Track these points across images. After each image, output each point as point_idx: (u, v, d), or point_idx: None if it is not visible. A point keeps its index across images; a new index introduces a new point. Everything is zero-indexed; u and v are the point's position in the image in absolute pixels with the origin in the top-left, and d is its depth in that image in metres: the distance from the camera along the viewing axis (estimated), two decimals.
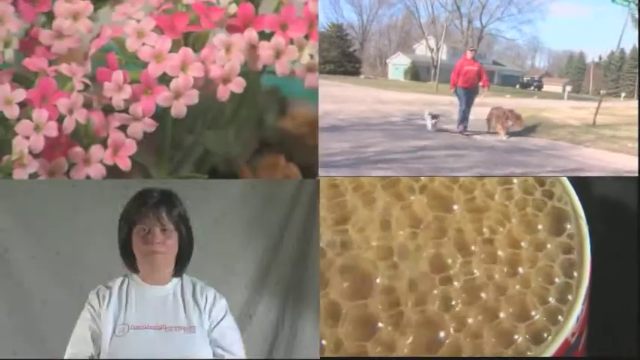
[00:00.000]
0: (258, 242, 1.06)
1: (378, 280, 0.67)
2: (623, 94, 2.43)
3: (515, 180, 0.72)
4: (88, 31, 0.82)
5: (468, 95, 1.79)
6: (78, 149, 0.78)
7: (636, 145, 1.50)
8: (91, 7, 0.83)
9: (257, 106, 0.93)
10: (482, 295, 0.65)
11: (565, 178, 0.71)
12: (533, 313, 0.64)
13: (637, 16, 1.90)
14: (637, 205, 0.92)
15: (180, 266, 0.77)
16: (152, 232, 0.74)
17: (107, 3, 0.85)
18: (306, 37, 0.82)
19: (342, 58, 2.71)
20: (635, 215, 0.93)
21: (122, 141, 0.79)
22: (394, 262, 0.67)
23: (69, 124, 0.76)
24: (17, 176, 0.75)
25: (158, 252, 0.75)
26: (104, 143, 0.79)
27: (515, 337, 0.63)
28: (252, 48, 0.81)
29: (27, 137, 0.75)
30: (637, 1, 1.81)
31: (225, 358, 0.76)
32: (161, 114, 0.80)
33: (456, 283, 0.66)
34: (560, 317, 0.64)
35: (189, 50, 0.79)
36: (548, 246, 0.68)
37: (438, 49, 2.57)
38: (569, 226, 0.68)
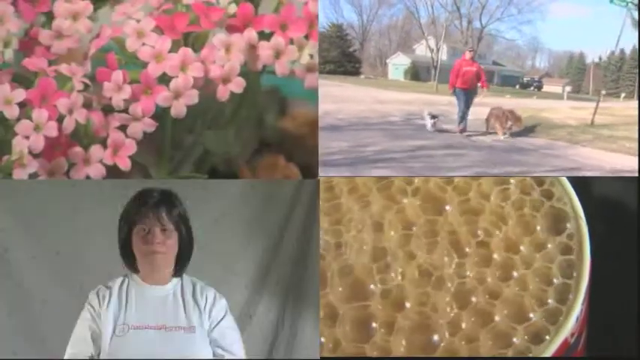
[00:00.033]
0: (258, 242, 1.06)
1: (371, 285, 0.67)
2: (623, 95, 2.43)
3: (512, 180, 0.72)
4: (87, 31, 0.82)
5: (467, 96, 1.79)
6: (78, 149, 0.78)
7: (633, 144, 1.50)
8: (91, 7, 0.83)
9: (257, 106, 0.93)
10: (477, 298, 0.65)
11: (564, 178, 0.71)
12: (531, 315, 0.64)
13: (635, 16, 1.90)
14: (637, 205, 0.92)
15: (180, 266, 0.77)
16: (152, 232, 0.74)
17: (107, 3, 0.85)
18: (306, 37, 0.82)
19: (342, 58, 2.71)
20: (635, 215, 0.93)
21: (122, 141, 0.79)
22: (387, 266, 0.67)
23: (69, 124, 0.76)
24: (17, 176, 0.75)
25: (158, 252, 0.75)
26: (104, 143, 0.79)
27: (514, 339, 0.63)
28: (252, 48, 0.81)
29: (27, 137, 0.75)
30: (635, 2, 1.81)
31: (225, 358, 0.76)
32: (161, 114, 0.80)
33: (449, 285, 0.66)
34: (560, 318, 0.64)
35: (189, 50, 0.79)
36: (549, 246, 0.68)
37: (437, 50, 2.57)
38: (568, 226, 0.68)
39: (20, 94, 0.76)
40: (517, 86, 2.71)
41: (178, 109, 0.79)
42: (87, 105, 0.78)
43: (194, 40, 0.80)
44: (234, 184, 1.02)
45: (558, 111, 2.19)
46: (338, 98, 2.14)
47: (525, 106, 2.10)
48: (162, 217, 0.75)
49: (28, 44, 0.82)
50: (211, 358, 0.76)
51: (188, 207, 0.77)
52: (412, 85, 2.65)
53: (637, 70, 2.18)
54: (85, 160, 0.78)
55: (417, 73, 2.72)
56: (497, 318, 0.64)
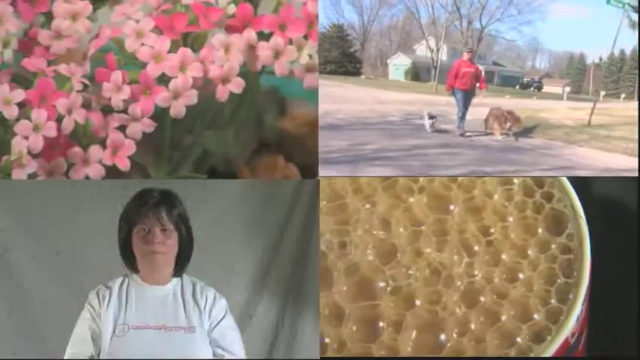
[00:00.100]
0: (258, 242, 1.06)
1: (381, 283, 0.67)
2: (623, 95, 2.44)
3: (515, 180, 0.72)
4: (87, 32, 0.82)
5: (466, 97, 1.80)
6: (77, 149, 0.78)
7: (629, 144, 1.50)
8: (90, 7, 0.83)
9: (256, 107, 0.93)
10: (484, 298, 0.65)
11: (565, 179, 0.71)
12: (535, 315, 0.64)
13: (633, 18, 1.90)
14: (637, 205, 0.92)
15: (180, 266, 0.77)
16: (152, 232, 0.74)
17: (106, 3, 0.85)
18: (305, 37, 0.82)
19: (343, 58, 2.71)
20: (635, 215, 0.93)
21: (121, 141, 0.79)
22: (395, 264, 0.67)
23: (68, 125, 0.76)
24: (16, 176, 0.75)
25: (158, 252, 0.74)
26: (103, 143, 0.79)
27: (518, 339, 0.63)
28: (251, 48, 0.81)
29: (26, 137, 0.75)
30: (632, 4, 1.82)
31: (225, 358, 0.76)
32: (160, 114, 0.80)
33: (459, 283, 0.66)
34: (561, 317, 0.64)
35: (188, 50, 0.79)
36: (553, 246, 0.68)
37: (438, 50, 2.58)
38: (568, 227, 0.68)
39: (19, 95, 0.76)
40: (517, 87, 2.72)
41: (177, 109, 0.79)
42: (86, 105, 0.78)
43: (193, 41, 0.80)
44: (234, 184, 1.02)
45: (556, 111, 2.19)
46: (338, 99, 2.15)
47: (525, 106, 2.11)
48: (162, 217, 0.75)
49: (27, 44, 0.82)
50: (211, 358, 0.75)
51: (188, 207, 0.77)
52: (412, 85, 2.65)
53: (637, 71, 2.19)
54: (84, 161, 0.78)
55: (418, 74, 2.73)
56: (504, 317, 0.64)
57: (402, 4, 2.55)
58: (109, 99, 0.78)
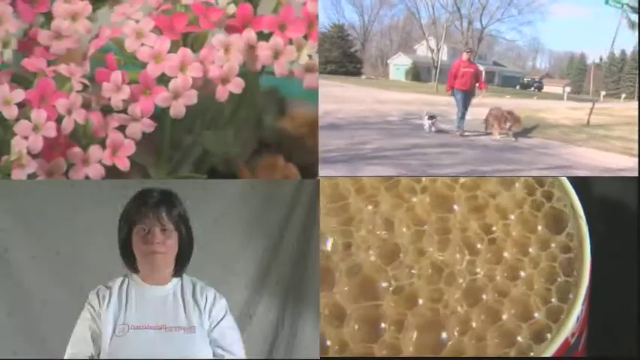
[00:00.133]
0: (258, 242, 1.06)
1: (383, 282, 0.67)
2: (623, 95, 2.44)
3: (515, 180, 0.72)
4: (86, 32, 0.82)
5: (465, 97, 1.80)
6: (77, 149, 0.78)
7: (627, 144, 1.51)
8: (90, 7, 0.83)
9: (256, 107, 0.93)
10: (485, 296, 0.65)
11: (564, 179, 0.71)
12: (536, 314, 0.64)
13: (632, 18, 1.91)
14: (637, 205, 0.92)
15: (180, 266, 0.77)
16: (152, 232, 0.74)
17: (106, 3, 0.85)
18: (305, 37, 0.82)
19: (344, 58, 2.72)
20: (635, 215, 0.93)
21: (121, 141, 0.79)
22: (398, 264, 0.67)
23: (68, 125, 0.76)
24: (16, 176, 0.75)
25: (158, 252, 0.74)
26: (103, 143, 0.79)
27: (518, 338, 0.63)
28: (251, 48, 0.81)
29: (25, 137, 0.75)
30: (630, 4, 1.82)
31: (225, 358, 0.76)
32: (160, 114, 0.80)
33: (460, 281, 0.66)
34: (561, 316, 0.64)
35: (188, 50, 0.79)
36: (553, 245, 0.68)
37: (438, 50, 2.58)
38: (568, 226, 0.68)
39: (19, 95, 0.76)
40: (518, 87, 2.72)
41: (177, 109, 0.79)
42: (86, 105, 0.78)
43: (193, 41, 0.80)
44: (234, 184, 1.02)
45: (555, 111, 2.20)
46: (339, 98, 2.15)
47: (525, 106, 2.11)
48: (162, 217, 0.75)
49: (27, 44, 0.82)
50: (211, 358, 0.75)
51: (188, 207, 0.77)
52: (413, 85, 2.66)
53: (637, 72, 2.19)
54: (83, 161, 0.78)
55: (418, 74, 2.73)
56: (504, 316, 0.64)
57: (402, 4, 2.55)
58: (109, 99, 0.78)
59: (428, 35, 2.60)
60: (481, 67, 1.93)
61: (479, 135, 1.76)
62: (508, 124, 1.72)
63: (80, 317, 0.75)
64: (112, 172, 0.79)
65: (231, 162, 0.92)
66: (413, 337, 0.64)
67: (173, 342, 0.74)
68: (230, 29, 0.81)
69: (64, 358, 0.75)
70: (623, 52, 2.42)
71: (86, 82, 0.79)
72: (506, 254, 0.68)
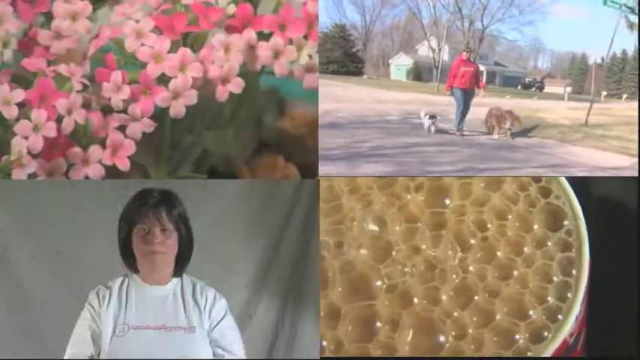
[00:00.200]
0: (258, 242, 1.06)
1: (377, 281, 0.67)
2: (624, 96, 2.44)
3: (510, 179, 0.72)
4: (86, 32, 0.82)
5: (465, 96, 1.79)
6: (77, 149, 0.78)
7: (623, 143, 1.51)
8: (90, 7, 0.83)
9: (256, 107, 0.93)
10: (478, 295, 0.65)
11: (563, 178, 0.71)
12: (531, 312, 0.64)
13: (630, 19, 1.91)
14: (637, 205, 0.92)
15: (180, 266, 0.77)
16: (152, 232, 0.74)
17: (106, 3, 0.85)
18: (305, 37, 0.82)
19: (345, 58, 2.72)
20: (635, 215, 0.93)
21: (121, 141, 0.79)
22: (391, 262, 0.67)
23: (68, 125, 0.76)
24: (16, 176, 0.75)
25: (158, 252, 0.75)
26: (103, 143, 0.79)
27: (517, 337, 0.63)
28: (251, 48, 0.81)
29: (26, 137, 0.75)
30: (628, 5, 1.82)
31: (225, 358, 0.76)
32: (160, 114, 0.80)
33: (454, 277, 0.66)
34: (559, 316, 0.64)
35: (188, 50, 0.79)
36: (549, 243, 0.67)
37: (439, 50, 2.58)
38: (566, 224, 0.68)
39: (19, 95, 0.76)
40: (519, 87, 2.72)
41: (177, 109, 0.79)
42: (86, 105, 0.78)
43: (193, 41, 0.80)
44: (234, 184, 1.02)
45: (555, 111, 2.20)
46: (340, 98, 2.15)
47: (525, 106, 2.11)
48: (162, 217, 0.75)
49: (27, 44, 0.82)
50: (211, 358, 0.76)
51: (188, 207, 0.77)
52: (414, 85, 2.66)
53: (638, 72, 2.19)
54: (84, 161, 0.78)
55: (420, 74, 2.73)
56: (498, 317, 0.64)
57: (404, 4, 2.55)
58: (109, 99, 0.78)
59: (429, 35, 2.60)
60: (482, 67, 1.93)
61: (479, 135, 1.76)
62: (508, 124, 1.72)
63: (80, 317, 0.75)
64: (112, 172, 0.79)
65: (231, 162, 0.92)
66: (408, 335, 0.64)
67: (173, 342, 0.74)
68: (230, 29, 0.81)
69: (64, 358, 0.75)
70: (624, 52, 2.42)
71: (86, 82, 0.79)
72: (499, 253, 0.68)
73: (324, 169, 0.93)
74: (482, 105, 1.82)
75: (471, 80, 1.79)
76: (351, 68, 2.73)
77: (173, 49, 0.78)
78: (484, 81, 1.88)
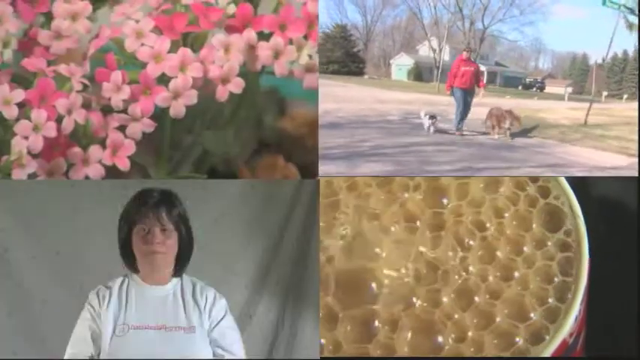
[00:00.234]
0: (258, 242, 1.06)
1: (374, 285, 0.67)
2: (625, 96, 2.44)
3: (509, 179, 0.72)
4: (86, 32, 0.82)
5: (465, 95, 1.79)
6: (77, 149, 0.78)
7: (622, 143, 1.51)
8: (90, 7, 0.83)
9: (256, 107, 0.93)
10: (479, 297, 0.65)
11: (562, 178, 0.71)
12: (531, 314, 0.64)
13: (630, 19, 1.91)
14: (637, 205, 0.92)
15: (180, 266, 0.77)
16: (152, 232, 0.74)
17: (106, 3, 0.85)
18: (305, 37, 0.82)
19: (346, 58, 2.72)
20: (634, 215, 0.93)
21: (121, 141, 0.79)
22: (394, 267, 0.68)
23: (68, 125, 0.76)
24: (16, 176, 0.75)
25: (158, 252, 0.75)
26: (103, 143, 0.79)
27: (517, 339, 0.63)
28: (251, 48, 0.81)
29: (26, 137, 0.75)
30: (628, 5, 1.82)
31: (225, 358, 0.76)
32: (160, 114, 0.80)
33: (454, 277, 0.66)
34: (559, 317, 0.64)
35: (188, 50, 0.79)
36: (549, 244, 0.67)
37: (440, 50, 2.58)
38: (565, 224, 0.68)
39: (19, 95, 0.76)
40: (520, 87, 2.72)
41: (177, 109, 0.79)
42: (86, 105, 0.78)
43: (193, 41, 0.80)
44: (234, 184, 1.02)
45: (555, 111, 2.20)
46: (341, 98, 2.15)
47: (525, 106, 2.11)
48: (162, 217, 0.75)
49: (27, 44, 0.82)
50: (211, 358, 0.76)
51: (188, 207, 0.77)
52: (415, 85, 2.66)
53: (638, 72, 2.19)
54: (84, 161, 0.78)
55: (420, 74, 2.73)
56: (498, 319, 0.64)
57: (405, 4, 2.55)
58: (109, 99, 0.78)
59: (430, 35, 2.60)
60: (483, 68, 1.93)
61: (478, 135, 1.76)
62: (508, 123, 1.72)
63: (80, 317, 0.75)
64: (112, 172, 0.79)
65: (231, 162, 0.92)
66: (408, 335, 0.64)
67: (173, 342, 0.74)
68: (230, 29, 0.81)
69: (64, 358, 0.75)
70: (625, 53, 2.42)
71: (86, 82, 0.79)
72: (498, 254, 0.68)
73: (323, 168, 0.93)
74: (482, 105, 1.82)
75: (471, 80, 1.79)
76: (353, 68, 2.73)
77: (173, 49, 0.78)
78: (485, 81, 1.88)
